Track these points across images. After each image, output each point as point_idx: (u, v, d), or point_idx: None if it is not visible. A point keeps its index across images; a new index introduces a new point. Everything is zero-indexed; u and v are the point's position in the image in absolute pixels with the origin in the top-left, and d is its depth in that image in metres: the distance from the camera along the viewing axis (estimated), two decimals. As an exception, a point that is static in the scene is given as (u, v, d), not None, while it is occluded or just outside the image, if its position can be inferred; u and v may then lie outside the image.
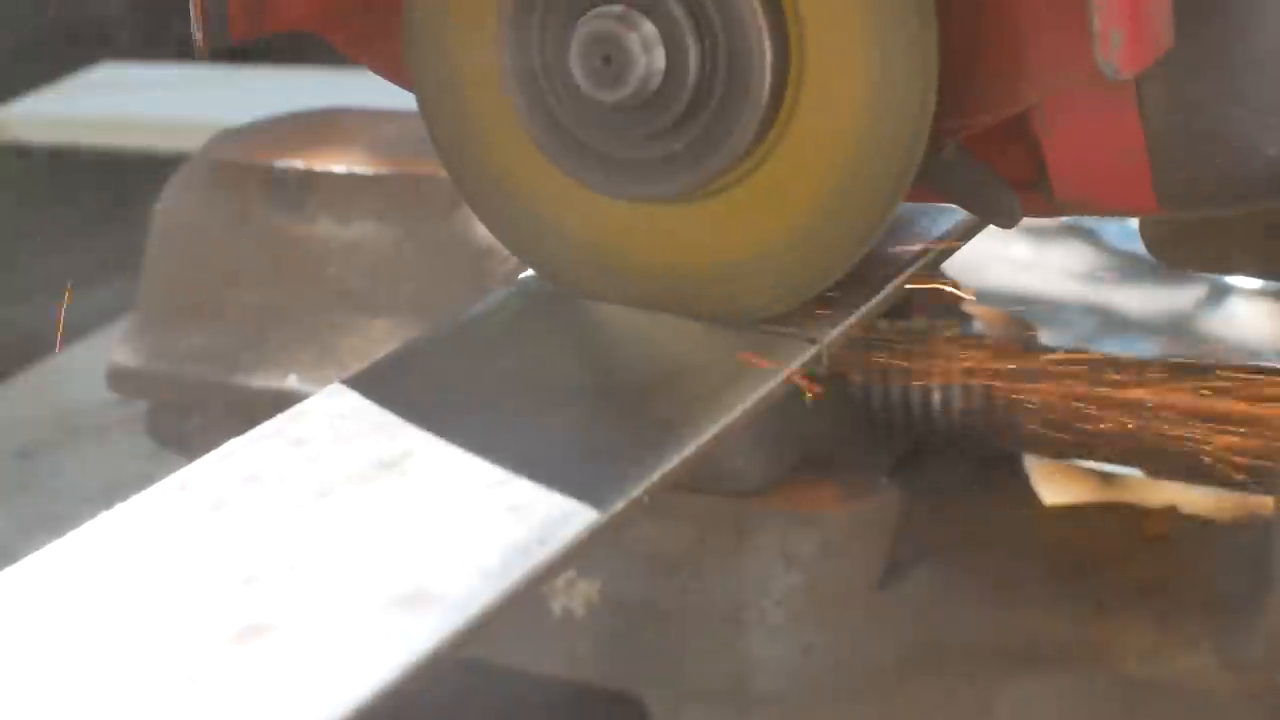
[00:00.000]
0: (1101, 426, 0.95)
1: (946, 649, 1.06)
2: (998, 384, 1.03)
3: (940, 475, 1.12)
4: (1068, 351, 0.99)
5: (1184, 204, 0.81)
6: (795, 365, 0.79)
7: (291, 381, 1.17)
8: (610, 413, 0.78)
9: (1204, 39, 0.77)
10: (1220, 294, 2.14)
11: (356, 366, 0.83)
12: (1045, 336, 1.19)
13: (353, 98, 1.36)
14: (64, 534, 0.69)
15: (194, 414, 1.23)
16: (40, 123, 2.94)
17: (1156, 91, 0.78)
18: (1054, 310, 2.15)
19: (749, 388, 0.77)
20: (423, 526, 0.69)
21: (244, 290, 1.22)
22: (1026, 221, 0.85)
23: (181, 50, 0.83)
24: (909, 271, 0.87)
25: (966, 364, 1.01)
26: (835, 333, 0.81)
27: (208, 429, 1.18)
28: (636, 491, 0.70)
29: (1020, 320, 1.18)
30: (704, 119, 0.78)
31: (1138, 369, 0.94)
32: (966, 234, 0.90)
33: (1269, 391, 0.89)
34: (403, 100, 0.90)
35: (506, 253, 0.88)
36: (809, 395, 0.80)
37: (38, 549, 0.68)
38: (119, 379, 1.26)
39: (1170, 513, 1.11)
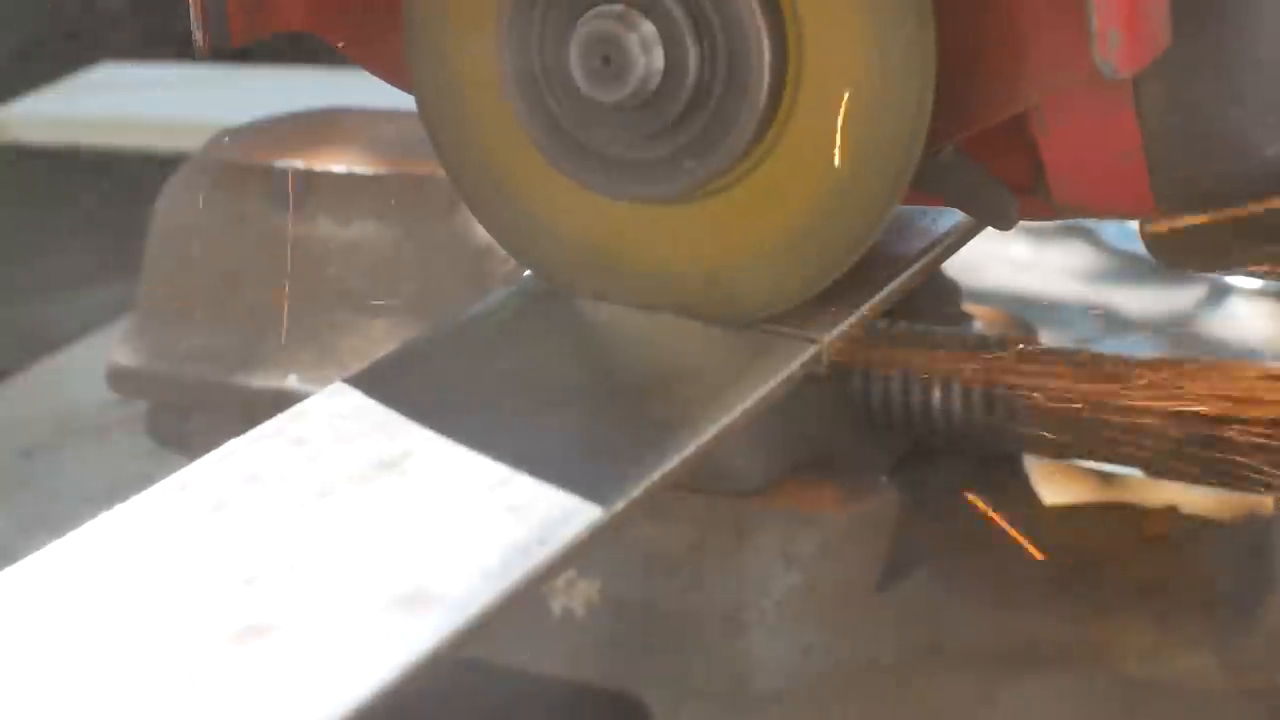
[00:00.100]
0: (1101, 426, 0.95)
1: (946, 649, 1.06)
2: (998, 384, 1.03)
3: (940, 475, 1.12)
4: (1067, 351, 0.99)
5: (1182, 204, 0.81)
6: (795, 365, 0.79)
7: (291, 381, 1.17)
8: (610, 412, 0.78)
9: (1201, 39, 0.77)
10: (1220, 294, 2.14)
11: (356, 366, 0.83)
12: (1045, 336, 1.19)
13: (353, 98, 1.35)
14: (64, 534, 0.69)
15: (194, 414, 1.23)
16: (40, 123, 2.94)
17: (1154, 92, 0.78)
18: (1054, 310, 2.15)
19: (749, 388, 0.78)
20: (423, 526, 0.69)
21: (244, 290, 1.22)
22: (1026, 222, 0.85)
23: (181, 50, 0.83)
24: (910, 271, 0.87)
25: (966, 364, 1.01)
26: (835, 333, 0.81)
27: (208, 429, 1.18)
28: (636, 491, 0.70)
29: (1020, 320, 1.18)
30: (703, 119, 0.79)
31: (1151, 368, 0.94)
32: (967, 234, 0.90)
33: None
34: (403, 100, 0.90)
35: (506, 253, 0.88)
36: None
37: (38, 549, 0.68)
38: (119, 379, 1.26)
39: (1170, 513, 1.11)
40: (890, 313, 0.88)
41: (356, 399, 0.79)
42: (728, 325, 0.82)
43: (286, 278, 1.20)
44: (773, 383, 0.78)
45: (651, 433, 0.74)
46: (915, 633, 1.07)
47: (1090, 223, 2.29)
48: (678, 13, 0.77)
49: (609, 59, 0.78)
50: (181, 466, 0.74)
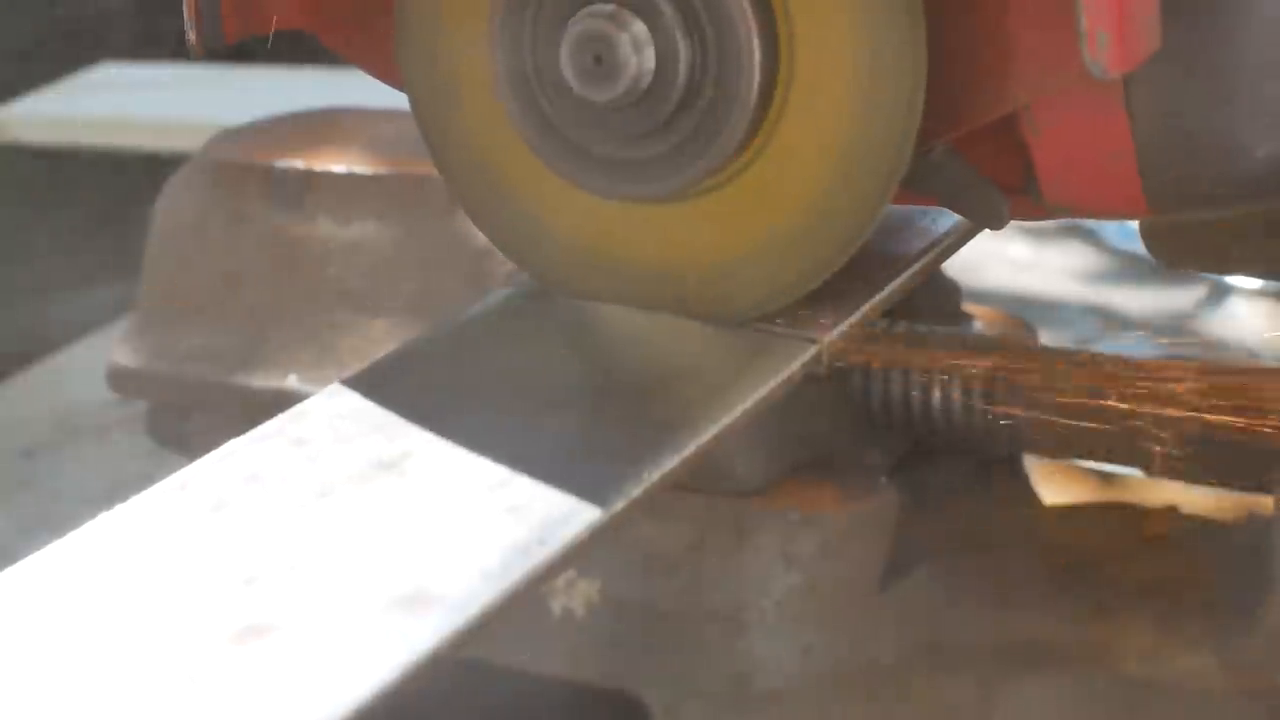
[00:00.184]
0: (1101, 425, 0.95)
1: (946, 649, 1.06)
2: (998, 384, 1.03)
3: (940, 475, 1.12)
4: (1067, 351, 0.99)
5: (1174, 205, 0.81)
6: (795, 365, 0.79)
7: (291, 381, 1.17)
8: (610, 413, 0.78)
9: (1192, 39, 0.77)
10: (1220, 294, 2.14)
11: (356, 366, 0.83)
12: (1045, 336, 1.19)
13: (353, 98, 1.35)
14: (64, 534, 0.69)
15: (194, 414, 1.22)
16: (40, 123, 2.94)
17: (1145, 92, 0.78)
18: (1054, 310, 2.15)
19: (749, 388, 0.78)
20: (423, 527, 0.69)
21: (244, 290, 1.22)
22: (1027, 222, 0.85)
23: (181, 50, 0.83)
24: (910, 271, 0.87)
25: (966, 364, 1.01)
26: (835, 333, 0.81)
27: (208, 429, 1.18)
28: (636, 491, 0.70)
29: (1019, 320, 1.18)
30: (694, 118, 0.79)
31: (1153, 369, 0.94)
32: (967, 234, 0.90)
33: None
34: (402, 100, 0.90)
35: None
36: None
37: (38, 549, 0.68)
38: (119, 379, 1.26)
39: (1170, 513, 1.11)
40: (890, 313, 0.88)
41: (356, 399, 0.79)
42: (727, 325, 0.82)
43: (286, 278, 1.20)
44: (773, 383, 0.78)
45: (651, 433, 0.74)
46: (915, 632, 1.07)
47: (1090, 223, 2.29)
48: (669, 12, 0.77)
49: (600, 58, 0.78)
50: (181, 466, 0.74)
